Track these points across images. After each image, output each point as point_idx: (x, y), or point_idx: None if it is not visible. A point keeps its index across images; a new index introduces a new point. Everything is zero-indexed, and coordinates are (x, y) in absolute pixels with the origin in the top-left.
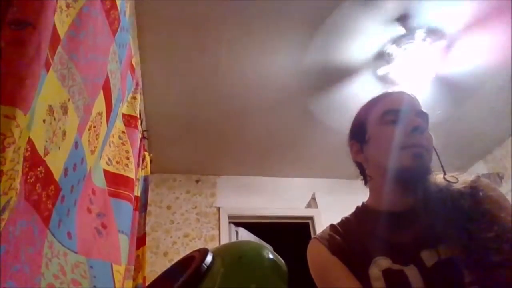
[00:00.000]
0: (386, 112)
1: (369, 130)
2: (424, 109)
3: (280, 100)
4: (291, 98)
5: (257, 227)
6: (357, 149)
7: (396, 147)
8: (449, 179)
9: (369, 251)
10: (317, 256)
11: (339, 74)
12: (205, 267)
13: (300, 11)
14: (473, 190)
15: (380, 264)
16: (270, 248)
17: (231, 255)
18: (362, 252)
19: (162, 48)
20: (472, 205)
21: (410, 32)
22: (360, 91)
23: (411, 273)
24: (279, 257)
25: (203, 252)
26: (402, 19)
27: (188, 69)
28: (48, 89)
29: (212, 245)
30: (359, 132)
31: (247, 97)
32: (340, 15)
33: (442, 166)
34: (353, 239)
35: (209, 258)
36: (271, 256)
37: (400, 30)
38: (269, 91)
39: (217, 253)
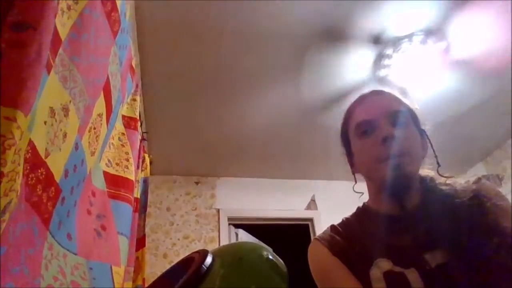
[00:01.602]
0: (358, 124)
1: (351, 143)
2: (399, 107)
3: (280, 103)
4: (292, 101)
5: (257, 228)
6: (349, 162)
7: (373, 161)
8: (449, 181)
9: (370, 252)
10: (318, 257)
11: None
12: (205, 268)
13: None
14: (479, 200)
15: (381, 266)
16: (270, 249)
17: (231, 256)
18: (363, 253)
19: (162, 50)
20: (477, 217)
21: (409, 34)
22: (355, 80)
23: (412, 276)
24: (279, 258)
25: (203, 254)
26: (400, 21)
27: (188, 71)
28: (49, 91)
29: (211, 247)
30: (346, 145)
31: (247, 100)
32: (340, 17)
33: (436, 157)
34: (354, 240)
35: (208, 259)
36: (271, 257)
37: (399, 32)
38: (269, 92)
39: (216, 254)
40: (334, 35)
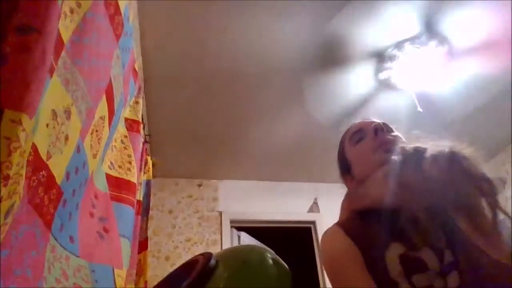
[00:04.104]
0: (352, 134)
1: (348, 157)
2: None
3: (281, 104)
4: (293, 102)
5: (259, 231)
6: (349, 178)
7: (369, 153)
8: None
9: (384, 235)
10: (335, 246)
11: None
12: (209, 271)
13: None
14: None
15: (396, 248)
16: (273, 252)
17: (235, 259)
18: (377, 236)
19: (165, 52)
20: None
21: (410, 38)
22: (360, 92)
23: (427, 255)
24: (282, 260)
25: (207, 256)
26: (405, 24)
27: (191, 73)
28: (52, 93)
29: (214, 250)
30: (344, 164)
31: (249, 102)
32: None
33: None
34: (366, 225)
35: (213, 262)
36: (274, 260)
37: (400, 36)
38: (271, 94)
39: (220, 257)
40: (336, 52)
